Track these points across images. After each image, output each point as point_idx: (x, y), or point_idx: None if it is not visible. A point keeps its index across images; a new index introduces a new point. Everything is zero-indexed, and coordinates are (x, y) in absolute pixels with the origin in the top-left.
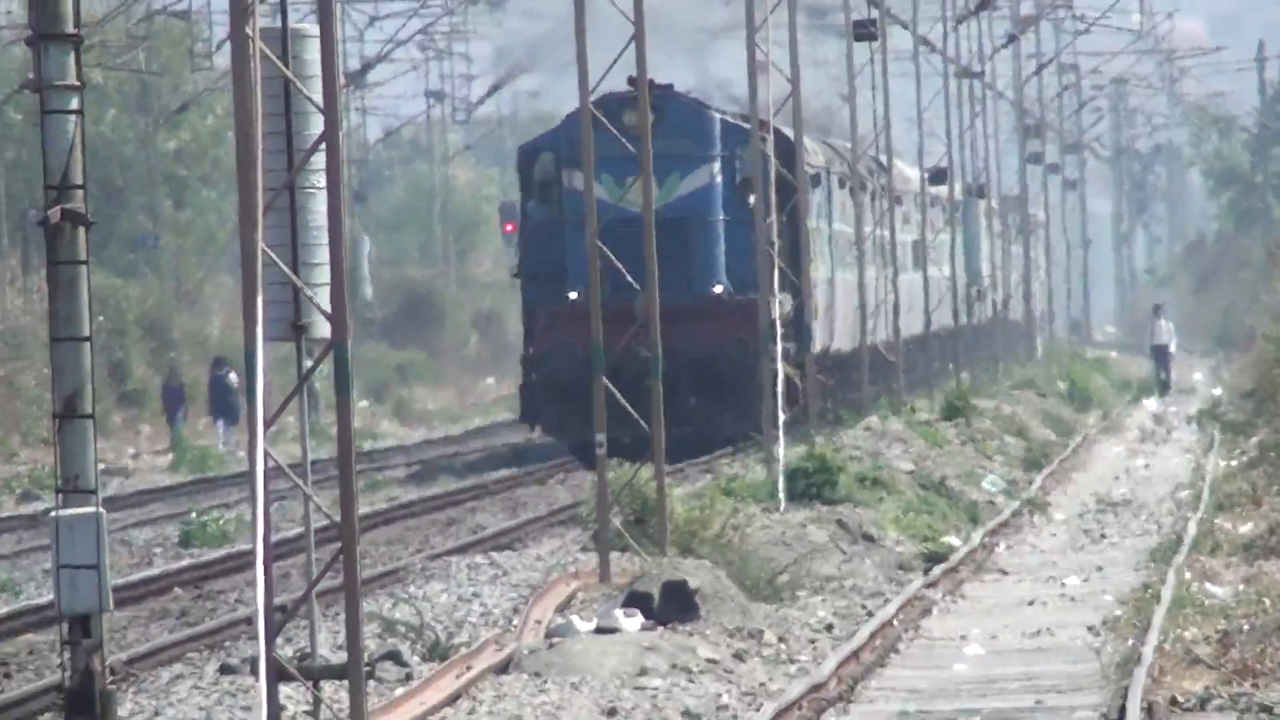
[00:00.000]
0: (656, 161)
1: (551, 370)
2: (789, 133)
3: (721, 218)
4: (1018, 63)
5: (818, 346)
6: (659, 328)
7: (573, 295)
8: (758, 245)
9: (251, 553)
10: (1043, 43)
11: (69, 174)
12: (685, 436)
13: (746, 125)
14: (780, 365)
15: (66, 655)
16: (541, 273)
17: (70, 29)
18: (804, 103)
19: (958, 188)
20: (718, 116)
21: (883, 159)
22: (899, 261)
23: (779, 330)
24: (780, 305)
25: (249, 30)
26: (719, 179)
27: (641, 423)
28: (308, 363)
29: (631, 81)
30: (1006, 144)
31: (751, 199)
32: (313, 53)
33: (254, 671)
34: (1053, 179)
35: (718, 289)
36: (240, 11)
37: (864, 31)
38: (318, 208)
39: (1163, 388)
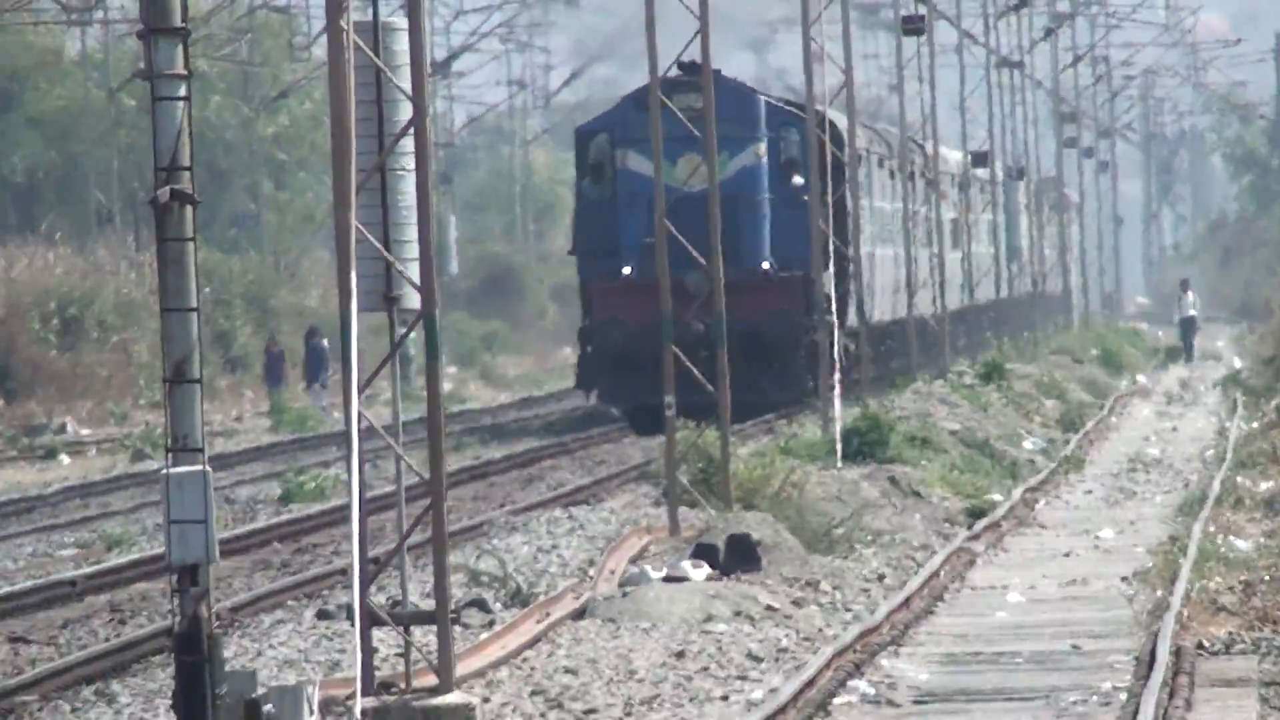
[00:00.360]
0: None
1: (606, 342)
2: (833, 117)
3: (767, 196)
4: (1055, 55)
5: (854, 319)
6: (718, 300)
7: (626, 270)
8: (811, 224)
9: (347, 508)
10: (1078, 36)
11: (177, 157)
12: (734, 403)
13: (790, 108)
14: (837, 333)
15: (176, 602)
16: (596, 249)
17: (178, 23)
18: (856, 92)
19: (999, 170)
20: (763, 99)
21: (928, 145)
22: (946, 232)
23: (832, 302)
24: (824, 282)
25: (343, 23)
26: (764, 159)
27: (707, 385)
28: (400, 331)
29: (683, 66)
30: (1044, 130)
31: (796, 179)
32: (402, 44)
33: (349, 617)
34: (1087, 162)
35: (765, 265)
36: (335, 6)
37: (912, 26)
38: (407, 189)
39: (1187, 355)
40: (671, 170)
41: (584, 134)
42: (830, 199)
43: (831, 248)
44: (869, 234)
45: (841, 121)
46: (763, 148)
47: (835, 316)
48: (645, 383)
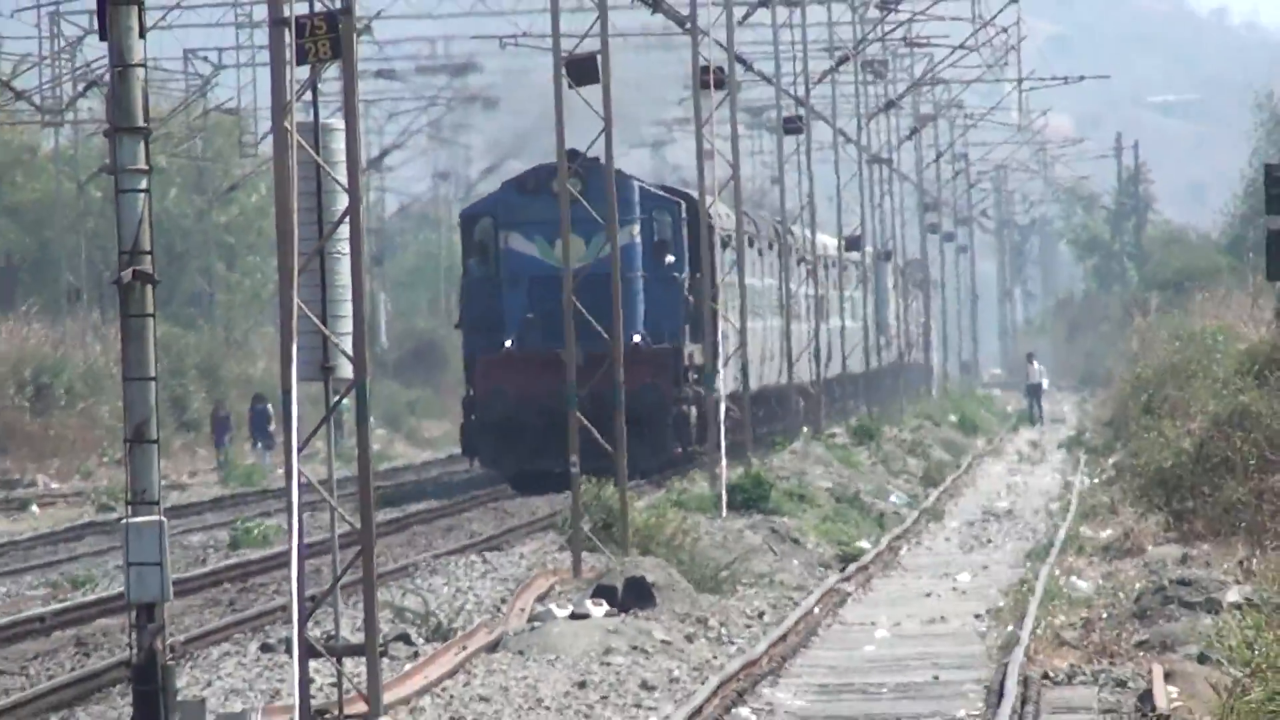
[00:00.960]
0: (584, 224)
1: (489, 411)
2: (707, 204)
3: (641, 274)
4: (919, 151)
5: (728, 389)
6: (579, 372)
7: (508, 344)
8: (701, 301)
9: (287, 553)
10: (939, 135)
11: (139, 242)
12: (604, 468)
13: (661, 193)
14: (723, 401)
15: (134, 636)
16: (480, 324)
17: (140, 123)
18: (743, 183)
19: (869, 253)
20: (637, 184)
21: (804, 230)
22: (820, 307)
23: (719, 372)
24: (693, 355)
25: (288, 124)
26: (638, 239)
27: (605, 444)
28: (335, 397)
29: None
30: (909, 217)
31: (668, 258)
32: (339, 143)
33: (288, 650)
34: (947, 246)
35: (636, 338)
36: (280, 109)
37: (792, 126)
38: (343, 269)
39: (1036, 418)
40: (550, 251)
41: (469, 217)
42: (697, 276)
43: (709, 321)
44: (737, 308)
45: (717, 209)
46: (637, 229)
47: (698, 387)
48: (525, 449)
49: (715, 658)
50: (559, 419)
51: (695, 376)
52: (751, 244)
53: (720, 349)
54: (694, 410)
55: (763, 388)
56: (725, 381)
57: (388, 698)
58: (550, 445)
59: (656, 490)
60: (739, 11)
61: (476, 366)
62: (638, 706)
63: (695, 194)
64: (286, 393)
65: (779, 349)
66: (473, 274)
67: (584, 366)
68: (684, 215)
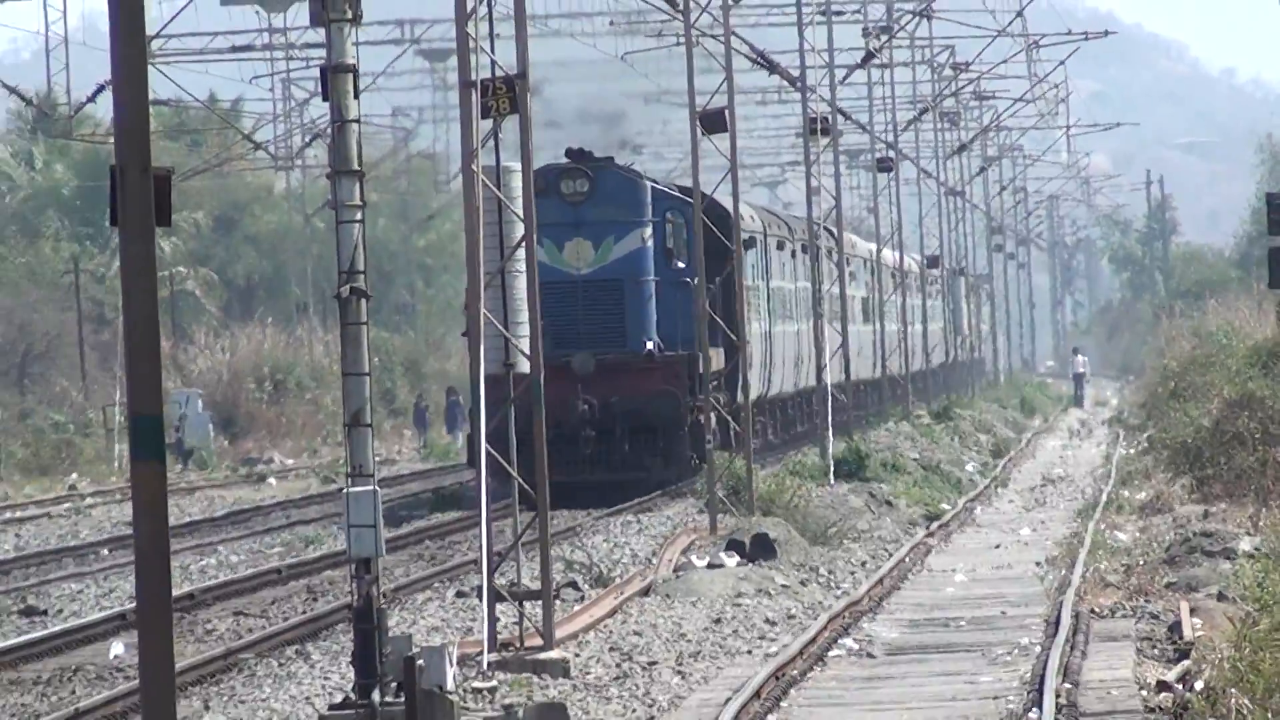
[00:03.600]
0: (593, 227)
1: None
2: (719, 199)
3: (653, 278)
4: (986, 186)
5: (833, 379)
6: (589, 381)
7: None
8: (722, 304)
9: (478, 515)
10: (1003, 172)
11: (354, 263)
12: (618, 481)
13: (675, 193)
14: (833, 391)
15: (354, 585)
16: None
17: (355, 167)
18: (844, 213)
19: (946, 269)
20: (649, 185)
21: (894, 253)
22: (908, 317)
23: (825, 366)
24: (712, 360)
25: (474, 167)
26: (650, 243)
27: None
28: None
29: (570, 154)
30: (979, 239)
31: (680, 264)
32: (516, 182)
33: (479, 595)
34: (1010, 262)
35: (649, 345)
36: (469, 155)
37: (884, 165)
38: (520, 285)
39: (1078, 402)
40: (559, 255)
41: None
42: (716, 283)
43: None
44: (765, 312)
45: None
46: (648, 232)
47: (718, 394)
48: (533, 460)
49: (825, 599)
50: (567, 431)
51: (715, 383)
52: (781, 246)
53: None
54: (713, 418)
55: (861, 379)
56: (831, 373)
57: (559, 634)
58: (560, 456)
59: (775, 463)
60: (840, 73)
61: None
62: (762, 639)
63: (708, 193)
64: (475, 384)
65: (871, 349)
66: None
67: (596, 374)
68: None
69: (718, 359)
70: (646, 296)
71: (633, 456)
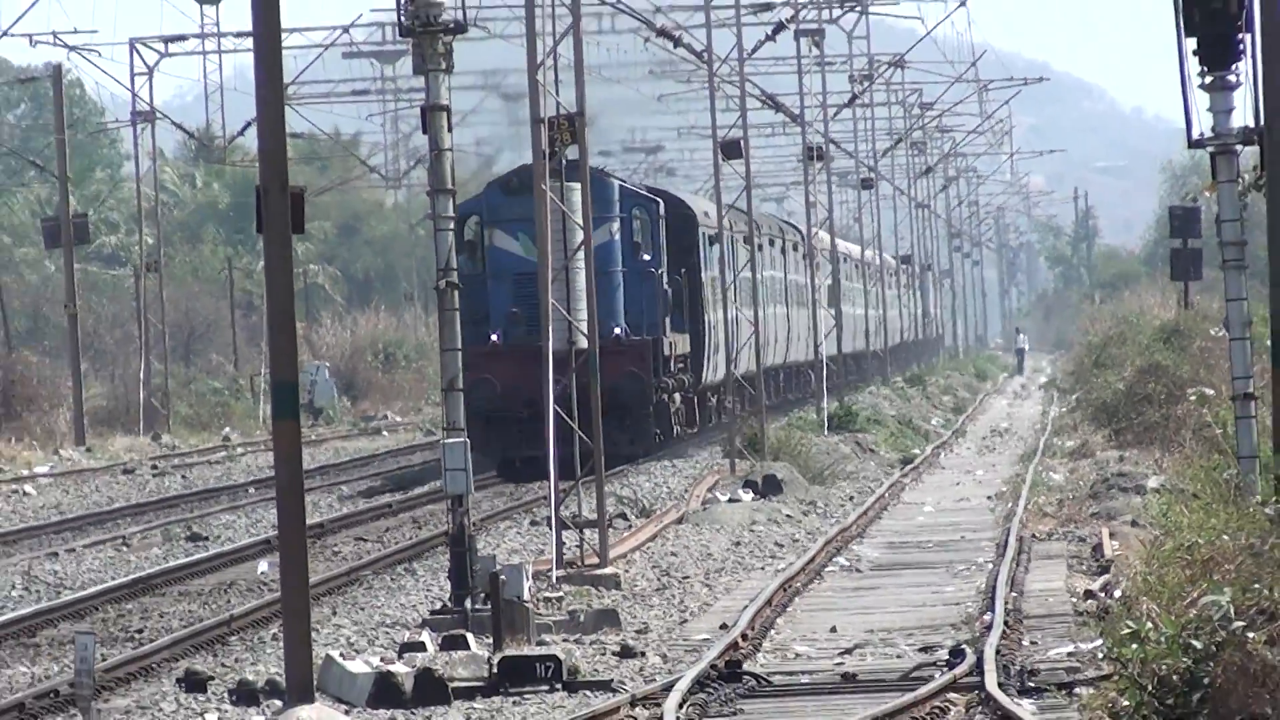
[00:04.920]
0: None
1: (476, 401)
2: (685, 199)
3: (620, 269)
4: (947, 200)
5: (718, 374)
6: (560, 363)
7: (494, 337)
8: (683, 293)
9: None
10: (961, 189)
11: (449, 262)
12: (587, 454)
13: (642, 192)
14: (826, 362)
15: (450, 516)
16: (467, 318)
17: (449, 186)
18: (835, 221)
19: (916, 265)
20: (616, 184)
21: (877, 252)
22: (887, 301)
23: (821, 342)
24: (673, 344)
25: (544, 185)
26: (617, 236)
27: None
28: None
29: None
30: (941, 242)
31: (645, 256)
32: (576, 198)
33: (549, 524)
34: (966, 260)
35: (616, 330)
36: (539, 175)
37: (866, 184)
38: (580, 279)
39: (1020, 370)
40: (533, 248)
41: (457, 216)
42: (680, 272)
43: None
44: (728, 300)
45: (702, 207)
46: (616, 226)
47: (684, 375)
48: (512, 437)
49: (821, 526)
50: (539, 410)
51: (680, 366)
52: (746, 241)
53: (708, 337)
54: (677, 398)
55: (850, 351)
56: (830, 345)
57: (611, 554)
58: (534, 434)
59: (782, 418)
60: (831, 110)
61: (465, 358)
62: (772, 557)
63: (675, 193)
64: (545, 359)
65: (867, 327)
66: (461, 270)
67: (565, 358)
68: (662, 213)
69: (683, 343)
70: (615, 286)
71: (606, 432)
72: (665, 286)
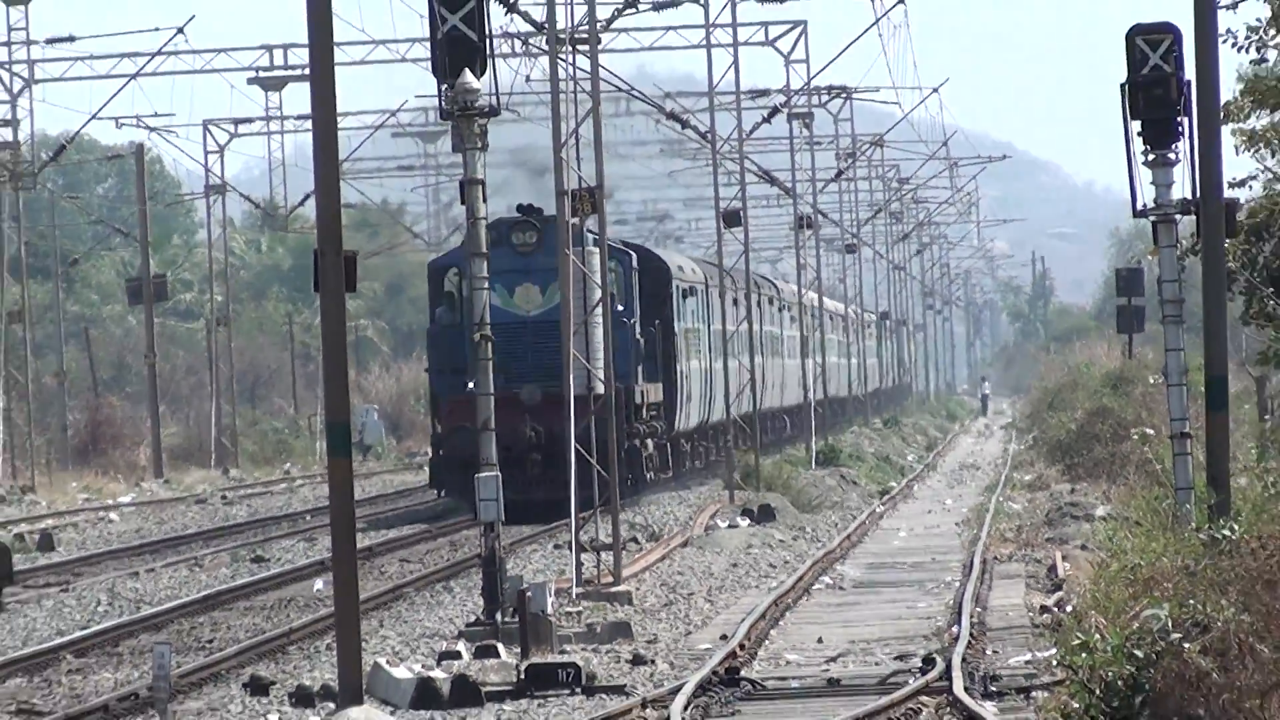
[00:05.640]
0: (540, 274)
1: (454, 448)
2: (659, 254)
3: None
4: (921, 263)
5: (691, 422)
6: (536, 410)
7: (471, 385)
8: (653, 344)
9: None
10: (933, 253)
11: (484, 318)
12: (557, 499)
13: (615, 245)
14: (815, 406)
15: (483, 540)
16: (446, 367)
17: (482, 250)
18: (822, 281)
19: (893, 320)
20: (590, 237)
21: (857, 310)
22: (866, 351)
23: (810, 388)
24: (646, 393)
25: (567, 250)
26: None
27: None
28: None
29: (521, 209)
30: (915, 300)
31: (619, 307)
32: (596, 261)
33: (569, 547)
34: (937, 317)
35: None
36: (562, 242)
37: (850, 249)
38: (598, 332)
39: (984, 412)
40: (510, 299)
41: (437, 268)
42: (655, 325)
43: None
44: (703, 352)
45: (676, 261)
46: None
47: (656, 423)
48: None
49: (809, 549)
50: (515, 455)
51: (654, 414)
52: (722, 295)
53: (680, 386)
54: (650, 444)
55: (834, 396)
56: (815, 391)
57: (624, 574)
58: (509, 479)
59: (775, 455)
60: (820, 184)
61: (443, 407)
62: (766, 576)
63: (650, 248)
64: (567, 405)
65: (848, 374)
66: (440, 321)
67: (542, 404)
68: (635, 265)
69: (655, 392)
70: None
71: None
72: (638, 337)
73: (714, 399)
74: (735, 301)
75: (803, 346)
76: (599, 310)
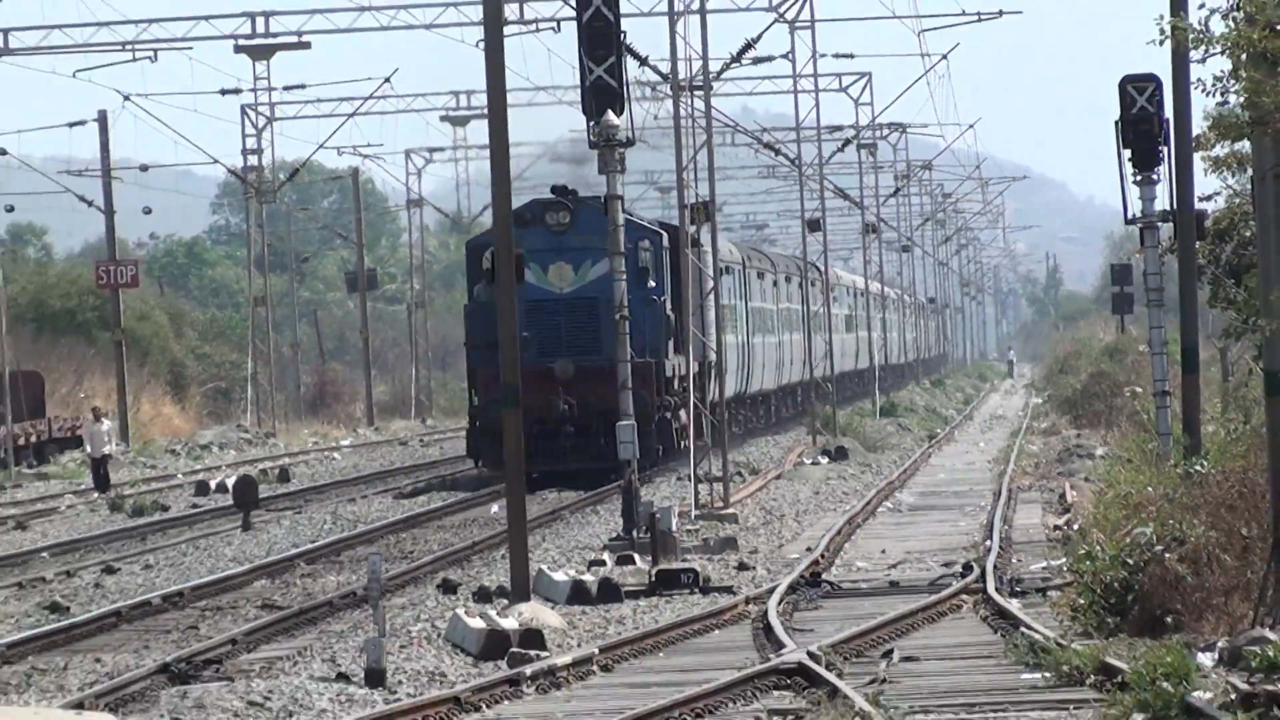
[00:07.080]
0: (572, 253)
1: (490, 420)
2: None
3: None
4: (960, 258)
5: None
6: (570, 383)
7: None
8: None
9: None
10: (970, 252)
11: (622, 302)
12: (590, 470)
13: (644, 223)
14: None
15: (623, 472)
16: (484, 342)
17: (621, 251)
18: (886, 276)
19: (938, 304)
20: (624, 217)
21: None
22: (919, 328)
23: (874, 354)
24: (675, 366)
25: (686, 251)
26: (623, 266)
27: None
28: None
29: (554, 190)
30: (955, 288)
31: (650, 284)
32: (709, 257)
33: (689, 479)
34: (973, 301)
35: None
36: (683, 246)
37: (905, 248)
38: (710, 311)
39: (1010, 375)
40: (544, 276)
41: (475, 247)
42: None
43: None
44: (744, 326)
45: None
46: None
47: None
48: (525, 453)
49: (874, 481)
50: (551, 425)
51: (682, 386)
52: (761, 276)
53: (699, 355)
54: (682, 414)
55: (893, 363)
56: (879, 357)
57: (732, 500)
58: (543, 450)
59: (849, 407)
60: (882, 198)
61: (480, 380)
62: (840, 501)
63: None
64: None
65: (903, 345)
66: (478, 297)
67: (575, 378)
68: (665, 244)
69: (684, 365)
70: None
71: (606, 448)
72: (668, 313)
73: (750, 372)
74: (775, 284)
75: (869, 323)
76: (710, 300)
